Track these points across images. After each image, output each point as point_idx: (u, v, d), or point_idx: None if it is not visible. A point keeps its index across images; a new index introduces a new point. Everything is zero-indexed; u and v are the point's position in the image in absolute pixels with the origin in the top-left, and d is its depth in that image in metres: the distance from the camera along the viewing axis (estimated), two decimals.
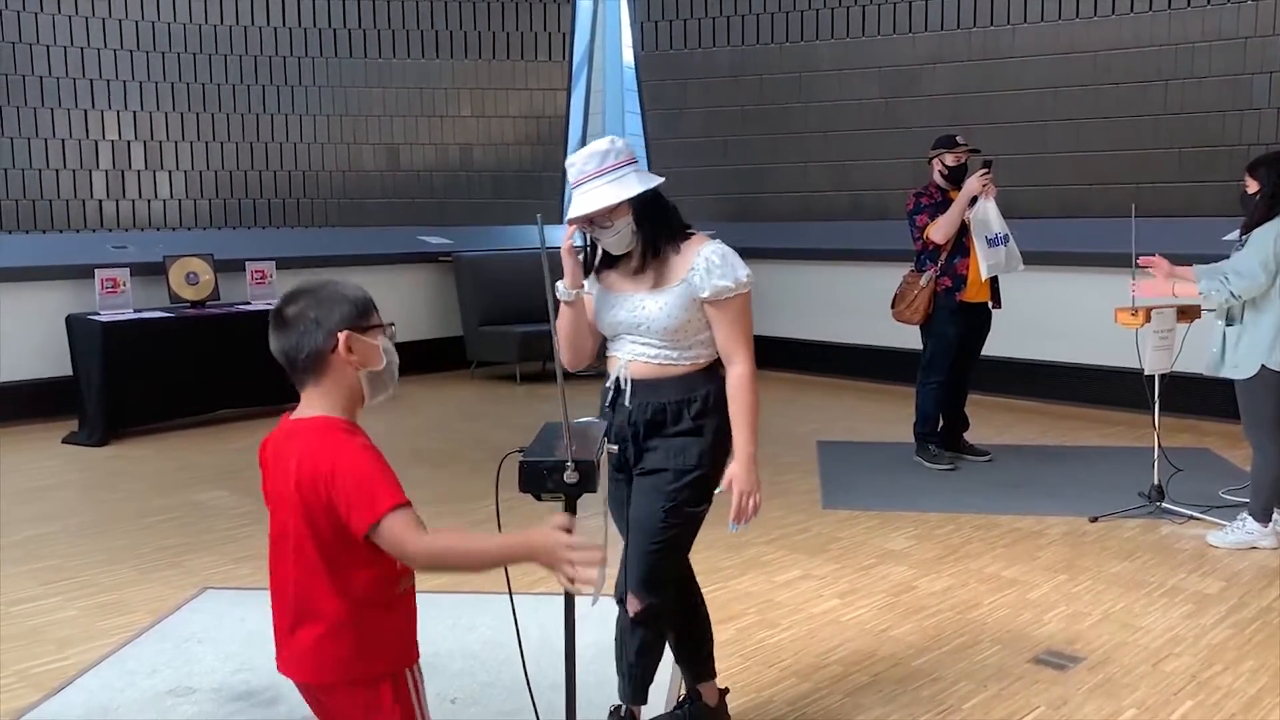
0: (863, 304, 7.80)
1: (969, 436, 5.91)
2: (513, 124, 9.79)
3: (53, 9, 7.78)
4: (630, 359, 2.71)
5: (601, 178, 2.59)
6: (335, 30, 9.05)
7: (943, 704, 3.09)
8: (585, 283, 2.76)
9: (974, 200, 5.44)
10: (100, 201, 8.09)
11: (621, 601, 2.77)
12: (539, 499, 2.11)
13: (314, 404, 1.88)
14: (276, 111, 8.84)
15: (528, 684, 2.29)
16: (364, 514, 1.75)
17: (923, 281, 5.57)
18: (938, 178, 5.64)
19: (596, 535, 2.28)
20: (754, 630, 3.65)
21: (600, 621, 2.79)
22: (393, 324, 1.96)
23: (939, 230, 5.46)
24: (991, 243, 5.44)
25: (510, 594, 2.25)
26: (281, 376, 1.94)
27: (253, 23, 8.67)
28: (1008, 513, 4.91)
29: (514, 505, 2.17)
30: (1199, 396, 5.97)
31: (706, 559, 4.33)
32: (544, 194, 9.92)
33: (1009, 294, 5.78)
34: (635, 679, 2.81)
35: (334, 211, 9.04)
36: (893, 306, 5.73)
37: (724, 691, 2.98)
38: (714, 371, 2.71)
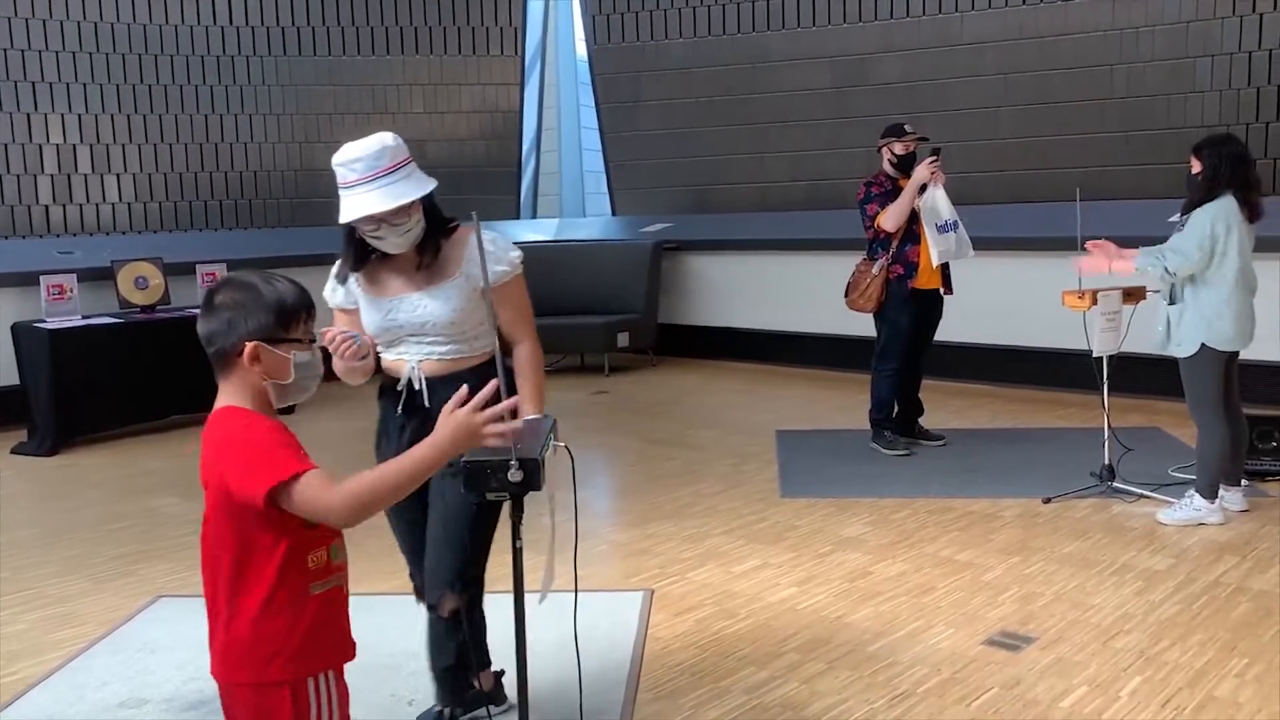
0: (820, 293, 7.80)
1: (924, 422, 5.96)
2: (466, 119, 9.75)
3: None
4: (420, 359, 2.66)
5: (394, 174, 2.50)
6: (284, 29, 8.97)
7: (897, 689, 3.12)
8: (340, 294, 2.74)
9: (924, 188, 5.48)
10: (46, 207, 7.96)
11: (432, 606, 2.75)
12: (484, 498, 2.11)
13: (224, 395, 1.88)
14: (226, 112, 8.75)
15: (479, 683, 2.29)
16: (264, 480, 1.73)
17: (875, 270, 5.60)
18: (887, 166, 5.67)
19: (546, 532, 2.28)
20: (712, 621, 3.66)
21: (553, 614, 2.77)
22: (314, 339, 1.93)
23: (889, 219, 5.49)
24: (941, 229, 5.48)
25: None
26: None
27: (199, 22, 8.57)
28: (962, 496, 4.96)
29: None
30: (1149, 376, 6.05)
31: (665, 552, 4.36)
32: (499, 189, 9.88)
33: (961, 280, 5.83)
34: (456, 679, 2.82)
35: (286, 211, 8.95)
36: (846, 295, 5.77)
37: (499, 674, 2.97)
38: (502, 359, 2.72)
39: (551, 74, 11.24)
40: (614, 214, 10.13)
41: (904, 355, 5.69)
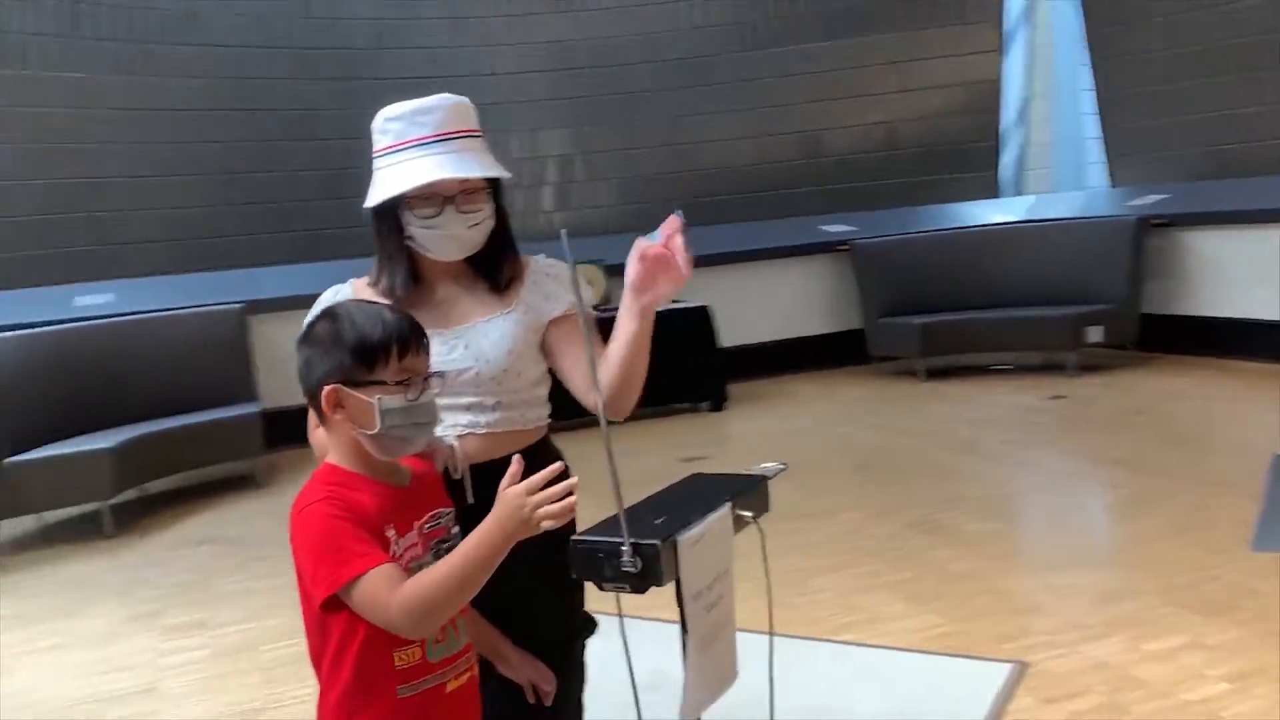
0: None
1: None
2: (940, 94, 9.21)
3: (498, 40, 8.58)
4: (461, 433, 1.85)
5: (473, 140, 1.82)
6: (754, 24, 9.04)
7: None
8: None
9: None
10: (551, 214, 8.74)
11: None
12: (600, 589, 1.71)
13: (331, 450, 1.66)
14: (696, 113, 9.00)
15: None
16: (321, 585, 1.54)
17: None
18: None
19: (695, 637, 1.79)
20: (1090, 716, 2.86)
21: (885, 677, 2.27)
22: (405, 380, 1.60)
23: None
24: None
25: (621, 620, 1.85)
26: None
27: (674, 28, 8.95)
28: None
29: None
30: None
31: (1063, 612, 3.55)
32: (976, 166, 9.14)
33: None
34: None
35: (741, 206, 8.93)
36: None
37: None
38: (550, 440, 1.98)
39: (1044, 35, 10.13)
40: (1112, 185, 8.84)
41: None
